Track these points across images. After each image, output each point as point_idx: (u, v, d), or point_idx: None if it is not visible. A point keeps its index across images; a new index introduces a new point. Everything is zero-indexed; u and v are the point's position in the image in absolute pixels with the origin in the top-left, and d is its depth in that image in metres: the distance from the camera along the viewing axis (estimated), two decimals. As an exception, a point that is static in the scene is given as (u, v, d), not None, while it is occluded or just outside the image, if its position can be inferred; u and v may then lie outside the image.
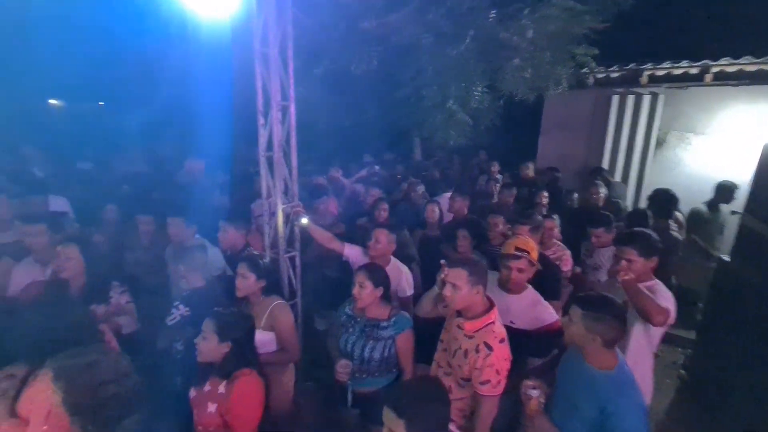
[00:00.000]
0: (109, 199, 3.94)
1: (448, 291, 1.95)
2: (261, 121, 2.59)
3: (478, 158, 7.07)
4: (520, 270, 2.31)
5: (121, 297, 2.61)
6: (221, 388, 1.80)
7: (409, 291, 2.97)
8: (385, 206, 4.01)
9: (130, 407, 1.49)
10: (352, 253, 2.99)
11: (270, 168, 2.67)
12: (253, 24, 2.41)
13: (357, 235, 3.72)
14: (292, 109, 2.61)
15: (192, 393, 1.89)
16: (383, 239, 2.89)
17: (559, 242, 3.51)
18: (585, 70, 4.78)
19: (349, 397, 2.40)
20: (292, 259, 2.75)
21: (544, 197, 4.42)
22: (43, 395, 1.41)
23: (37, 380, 1.45)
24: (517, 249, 2.31)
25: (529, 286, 2.42)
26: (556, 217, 3.60)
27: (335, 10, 3.22)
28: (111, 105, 13.93)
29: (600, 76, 5.62)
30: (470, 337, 1.95)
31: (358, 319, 2.36)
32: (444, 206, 4.35)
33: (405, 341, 2.32)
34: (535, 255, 2.35)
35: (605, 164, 5.75)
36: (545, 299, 2.40)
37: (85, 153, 6.81)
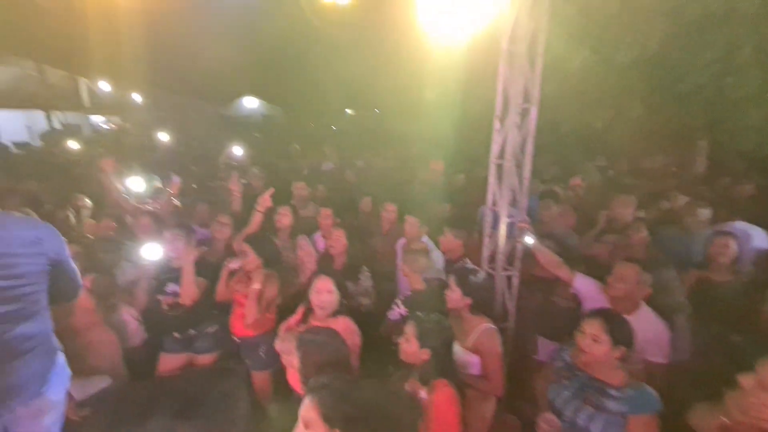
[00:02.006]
0: (364, 192, 4.78)
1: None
2: (497, 125, 2.43)
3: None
4: None
5: (367, 281, 3.05)
6: (422, 394, 1.80)
7: (663, 357, 2.17)
8: (643, 229, 3.11)
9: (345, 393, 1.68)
10: (585, 286, 2.44)
11: (499, 176, 2.49)
12: (503, 21, 2.25)
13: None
14: (534, 112, 2.32)
15: None
16: (631, 277, 2.22)
17: None
18: None
19: (551, 458, 1.98)
20: (509, 279, 2.49)
21: None
22: None
23: None
24: None
25: None
26: None
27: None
28: (385, 112, 17.12)
29: None
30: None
31: (578, 373, 1.87)
32: (743, 242, 3.03)
33: (642, 429, 1.68)
34: None
35: None
36: None
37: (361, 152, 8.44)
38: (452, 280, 2.24)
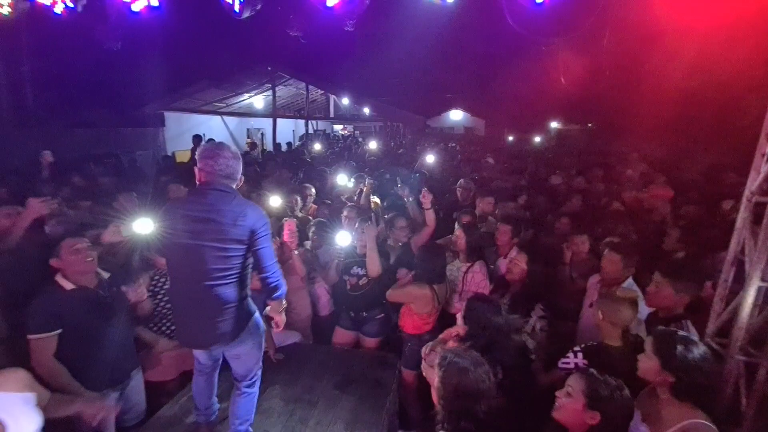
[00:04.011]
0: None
1: None
2: (765, 146, 1.73)
3: None
4: None
5: (538, 321, 2.67)
6: None
7: None
8: None
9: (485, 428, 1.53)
10: None
11: (756, 218, 1.77)
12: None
13: None
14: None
15: None
16: None
17: None
18: None
19: None
20: (751, 367, 1.73)
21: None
22: None
23: None
24: None
25: None
26: None
27: None
28: (600, 127, 15.04)
29: None
30: None
31: None
32: None
33: None
34: None
35: None
36: None
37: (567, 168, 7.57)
38: (649, 344, 1.70)
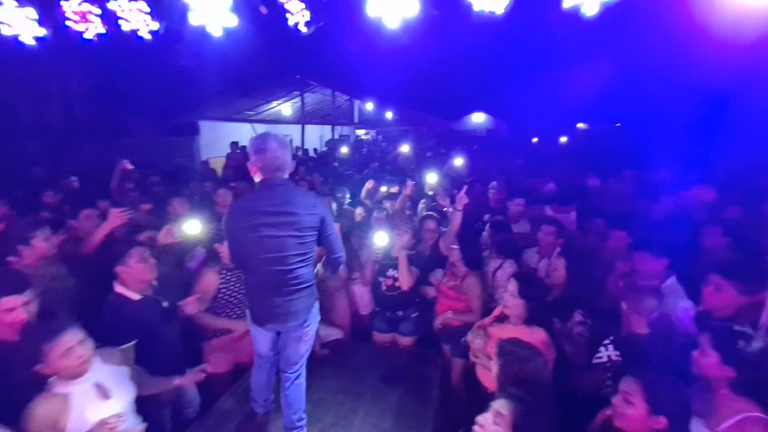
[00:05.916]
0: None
1: None
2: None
3: None
4: None
5: (576, 326, 2.71)
6: None
7: None
8: None
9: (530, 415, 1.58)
10: None
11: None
12: None
13: None
14: None
15: None
16: None
17: None
18: None
19: None
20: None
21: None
22: None
23: None
24: None
25: None
26: None
27: None
28: (627, 126, 14.63)
29: None
30: None
31: None
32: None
33: None
34: None
35: None
36: None
37: (595, 169, 7.35)
38: (706, 340, 1.71)
